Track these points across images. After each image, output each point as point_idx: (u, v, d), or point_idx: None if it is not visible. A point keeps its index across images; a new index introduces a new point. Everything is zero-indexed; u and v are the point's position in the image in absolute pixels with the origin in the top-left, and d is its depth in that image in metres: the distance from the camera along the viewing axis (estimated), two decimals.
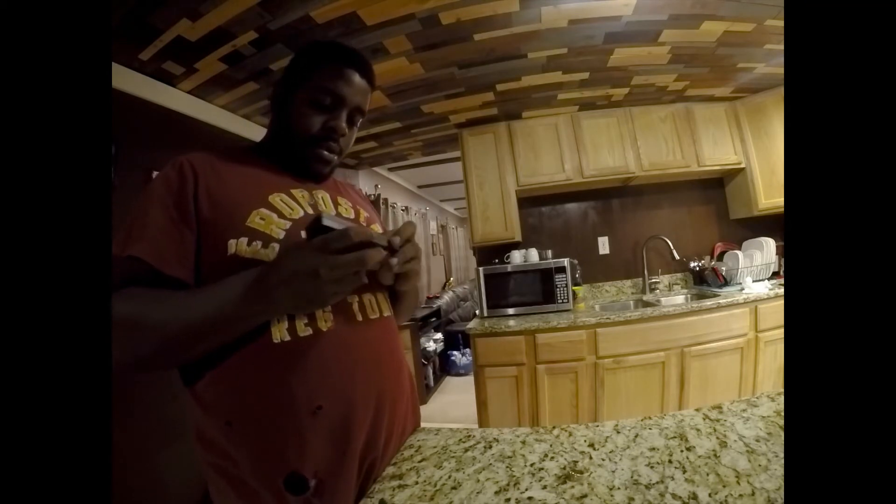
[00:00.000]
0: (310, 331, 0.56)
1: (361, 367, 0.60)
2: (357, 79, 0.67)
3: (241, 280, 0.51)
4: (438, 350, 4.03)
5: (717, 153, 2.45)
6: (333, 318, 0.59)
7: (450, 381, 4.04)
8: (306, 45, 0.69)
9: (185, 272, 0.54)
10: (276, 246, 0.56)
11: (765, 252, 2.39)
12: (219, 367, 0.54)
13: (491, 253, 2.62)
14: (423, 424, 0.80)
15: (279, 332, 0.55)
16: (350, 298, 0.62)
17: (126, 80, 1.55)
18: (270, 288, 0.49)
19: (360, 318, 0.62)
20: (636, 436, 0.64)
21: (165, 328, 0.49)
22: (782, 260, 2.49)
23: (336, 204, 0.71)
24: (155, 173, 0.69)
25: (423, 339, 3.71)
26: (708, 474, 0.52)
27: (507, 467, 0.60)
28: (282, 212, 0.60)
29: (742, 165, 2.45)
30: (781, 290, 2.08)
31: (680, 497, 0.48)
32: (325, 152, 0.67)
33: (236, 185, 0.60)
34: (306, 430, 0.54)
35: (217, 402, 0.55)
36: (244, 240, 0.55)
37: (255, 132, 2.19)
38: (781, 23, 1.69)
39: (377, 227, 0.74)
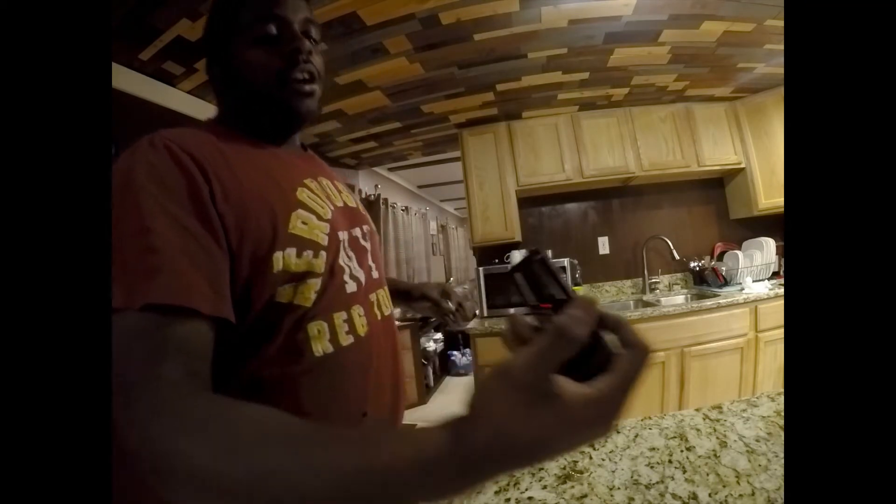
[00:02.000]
0: (351, 339, 0.50)
1: (385, 366, 0.57)
2: None
3: (409, 443, 0.27)
4: (438, 350, 4.03)
5: (717, 153, 2.45)
6: (367, 321, 0.54)
7: (450, 381, 4.04)
8: None
9: (228, 307, 0.40)
10: (324, 255, 0.49)
11: (765, 252, 2.39)
12: (257, 387, 0.44)
13: (491, 253, 2.61)
14: (423, 425, 0.80)
15: (321, 345, 0.47)
16: (371, 297, 0.57)
17: (126, 80, 1.55)
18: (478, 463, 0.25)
19: (379, 317, 0.58)
20: (636, 436, 0.64)
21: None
22: (782, 260, 2.49)
23: (339, 191, 0.63)
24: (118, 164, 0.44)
25: (423, 339, 3.71)
26: (708, 474, 0.52)
27: None
28: (317, 212, 0.52)
29: (742, 165, 2.45)
30: (781, 290, 2.08)
31: (680, 497, 0.48)
32: (302, 83, 0.54)
33: (254, 177, 0.48)
34: None
35: None
36: (292, 251, 0.46)
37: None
38: (781, 23, 1.69)
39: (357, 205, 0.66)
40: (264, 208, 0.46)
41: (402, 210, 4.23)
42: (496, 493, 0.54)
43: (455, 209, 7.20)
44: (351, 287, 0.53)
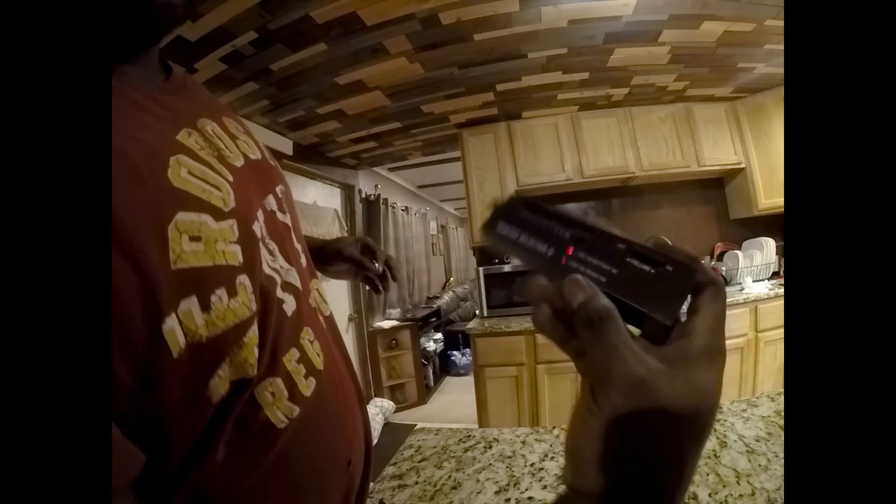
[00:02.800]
0: (312, 382, 0.37)
1: (348, 384, 0.44)
2: None
3: None
4: (438, 350, 4.03)
5: (717, 153, 2.45)
6: (320, 345, 0.40)
7: (450, 381, 4.04)
8: None
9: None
10: (247, 281, 0.31)
11: (765, 252, 2.39)
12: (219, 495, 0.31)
13: (491, 253, 2.62)
14: (423, 424, 0.80)
15: (281, 411, 0.33)
16: (311, 299, 0.42)
17: None
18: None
19: (323, 323, 0.44)
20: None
21: None
22: (782, 260, 2.49)
23: (233, 137, 0.39)
24: None
25: (423, 339, 3.72)
26: (708, 474, 0.52)
27: (507, 467, 0.60)
28: (211, 203, 0.30)
29: (742, 165, 2.45)
30: (781, 290, 2.08)
31: None
32: None
33: None
34: (345, 493, 0.40)
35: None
36: (190, 304, 0.27)
37: (256, 133, 2.18)
38: (781, 23, 1.69)
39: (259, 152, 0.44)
40: (114, 238, 0.24)
41: (402, 210, 4.24)
42: (496, 493, 0.54)
43: (455, 209, 7.20)
44: (290, 305, 0.37)
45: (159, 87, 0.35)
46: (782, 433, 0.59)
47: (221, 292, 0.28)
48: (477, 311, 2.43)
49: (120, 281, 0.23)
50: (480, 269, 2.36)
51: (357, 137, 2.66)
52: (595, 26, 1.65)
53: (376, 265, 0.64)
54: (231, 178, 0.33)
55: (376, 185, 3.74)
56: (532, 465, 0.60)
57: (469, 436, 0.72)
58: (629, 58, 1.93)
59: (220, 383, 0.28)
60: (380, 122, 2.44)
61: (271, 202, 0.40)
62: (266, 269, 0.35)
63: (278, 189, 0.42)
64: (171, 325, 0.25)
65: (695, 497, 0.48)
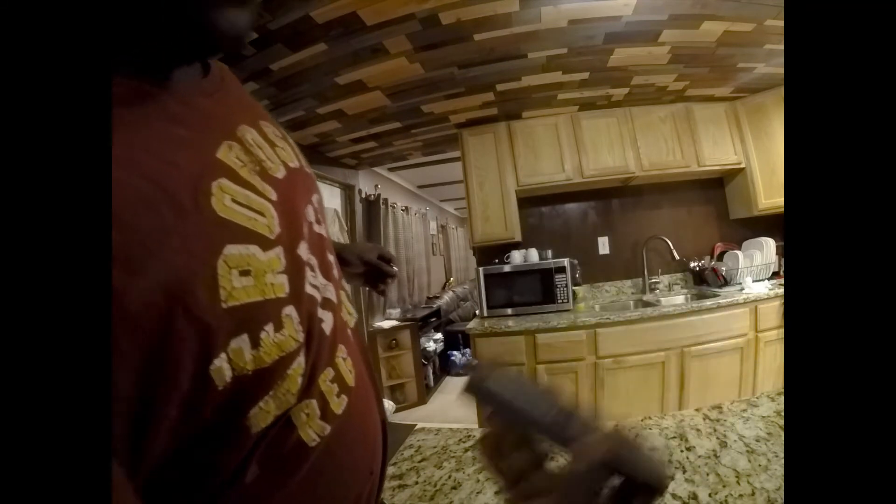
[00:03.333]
0: (344, 399, 0.37)
1: (372, 396, 0.44)
2: None
3: None
4: (438, 350, 4.03)
5: (717, 153, 2.45)
6: (352, 362, 0.40)
7: (450, 381, 4.04)
8: None
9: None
10: (294, 313, 0.30)
11: (765, 252, 2.39)
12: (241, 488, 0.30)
13: (491, 253, 2.62)
14: (423, 424, 0.80)
15: (312, 429, 0.33)
16: (343, 315, 0.42)
17: None
18: None
19: (351, 336, 0.43)
20: (636, 436, 0.64)
21: None
22: (782, 260, 2.49)
23: (272, 144, 0.37)
24: None
25: (423, 339, 3.71)
26: (708, 474, 0.52)
27: None
28: (257, 232, 0.29)
29: (742, 165, 2.45)
30: (781, 290, 2.08)
31: (680, 497, 0.48)
32: None
33: (129, 200, 0.23)
34: (367, 498, 0.41)
35: None
36: (241, 343, 0.26)
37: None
38: (781, 23, 1.69)
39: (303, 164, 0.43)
40: (161, 278, 0.22)
41: (402, 210, 4.24)
42: (496, 493, 0.54)
43: (455, 209, 7.20)
44: (328, 324, 0.36)
45: (199, 89, 0.32)
46: (782, 433, 0.59)
47: (269, 327, 0.27)
48: (477, 311, 2.43)
49: (169, 325, 0.22)
50: (480, 269, 2.36)
51: (357, 137, 2.66)
52: (595, 26, 1.65)
53: (393, 268, 0.69)
54: (274, 197, 0.32)
55: (376, 185, 3.74)
56: None
57: (469, 436, 0.71)
58: (629, 58, 1.93)
59: (260, 414, 0.28)
60: (380, 122, 2.44)
61: (310, 213, 0.39)
62: (308, 289, 0.33)
63: (314, 198, 0.41)
64: (219, 364, 0.24)
65: (695, 497, 0.48)
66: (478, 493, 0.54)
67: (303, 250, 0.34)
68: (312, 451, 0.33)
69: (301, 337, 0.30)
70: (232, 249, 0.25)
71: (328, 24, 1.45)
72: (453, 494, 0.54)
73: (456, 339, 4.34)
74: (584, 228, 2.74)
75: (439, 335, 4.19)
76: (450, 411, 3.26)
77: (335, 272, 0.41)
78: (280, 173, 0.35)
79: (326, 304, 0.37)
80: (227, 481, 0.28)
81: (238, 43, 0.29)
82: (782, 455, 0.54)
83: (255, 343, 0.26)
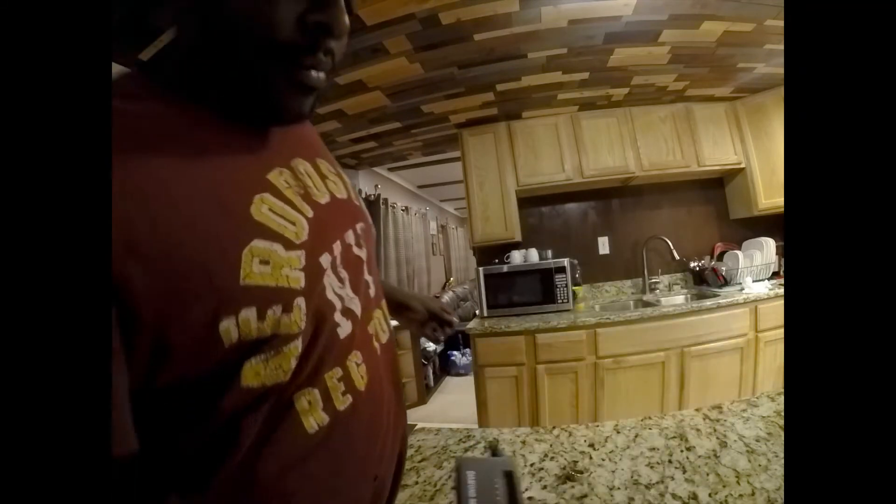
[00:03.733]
0: (349, 399, 0.40)
1: (391, 408, 0.48)
2: None
3: None
4: (438, 350, 4.03)
5: (717, 153, 2.45)
6: (366, 369, 0.43)
7: (450, 381, 4.04)
8: None
9: (127, 440, 0.28)
10: (302, 304, 0.35)
11: (765, 252, 2.39)
12: (232, 485, 0.34)
13: (491, 253, 2.62)
14: (423, 424, 0.80)
15: (314, 417, 0.36)
16: (370, 327, 0.46)
17: None
18: None
19: (378, 350, 0.47)
20: (636, 436, 0.64)
21: None
22: (782, 260, 2.49)
23: (323, 177, 0.45)
24: None
25: (422, 339, 3.71)
26: (708, 474, 0.52)
27: None
28: (284, 236, 0.35)
29: (742, 165, 2.46)
30: (781, 290, 2.08)
31: (680, 497, 0.48)
32: (310, 72, 0.35)
33: (179, 196, 0.30)
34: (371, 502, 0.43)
35: None
36: (250, 312, 0.31)
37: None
38: (781, 23, 1.69)
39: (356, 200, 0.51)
40: (197, 256, 0.29)
41: (402, 210, 4.24)
42: None
43: (455, 209, 7.20)
44: (345, 329, 0.40)
45: (269, 135, 0.40)
46: (782, 433, 0.59)
47: (277, 308, 0.33)
48: (477, 311, 2.43)
49: (194, 286, 0.29)
50: (480, 269, 2.36)
51: (357, 137, 2.66)
52: (595, 26, 1.65)
53: (452, 317, 0.78)
54: (310, 215, 0.39)
55: (376, 185, 3.74)
56: (532, 465, 0.60)
57: (469, 436, 0.72)
58: (629, 58, 1.93)
59: (249, 370, 0.32)
60: (380, 122, 2.44)
61: (350, 237, 0.45)
62: (329, 295, 0.39)
63: (358, 226, 0.47)
64: (227, 325, 0.30)
65: (695, 497, 0.48)
66: None
67: (325, 260, 0.39)
68: (311, 438, 0.36)
69: (303, 325, 0.35)
70: (258, 243, 0.33)
71: None
72: (453, 494, 0.54)
73: (456, 339, 4.34)
74: (584, 228, 2.74)
75: None
76: (450, 411, 3.26)
77: (370, 291, 0.48)
78: (324, 199, 0.42)
79: (347, 312, 0.41)
80: (231, 446, 0.32)
81: (301, 120, 0.39)
82: (782, 455, 0.54)
83: (261, 316, 0.32)
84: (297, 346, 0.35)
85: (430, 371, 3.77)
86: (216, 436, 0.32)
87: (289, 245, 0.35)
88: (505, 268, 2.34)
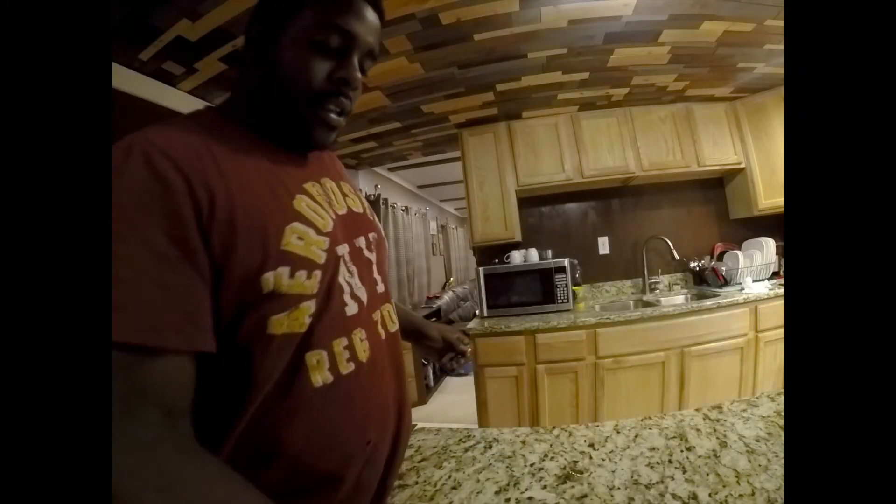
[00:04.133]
0: (352, 366, 0.48)
1: (389, 388, 0.54)
2: (369, 13, 0.51)
3: None
4: None
5: (717, 153, 2.45)
6: (369, 345, 0.51)
7: (450, 381, 4.04)
8: None
9: (207, 339, 0.38)
10: (319, 274, 0.45)
11: (765, 252, 2.39)
12: (249, 422, 0.42)
13: (491, 253, 2.62)
14: (423, 424, 0.80)
15: (320, 375, 0.45)
16: (375, 315, 0.54)
17: (126, 80, 1.55)
18: None
19: (383, 335, 0.55)
20: (636, 436, 0.64)
21: None
22: (782, 260, 2.49)
23: (343, 195, 0.58)
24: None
25: None
26: (708, 474, 0.52)
27: (507, 467, 0.60)
28: (315, 224, 0.47)
29: (742, 165, 2.45)
30: (781, 290, 2.08)
31: (680, 497, 0.48)
32: (333, 114, 0.51)
33: (247, 185, 0.43)
34: (361, 468, 0.48)
35: (251, 462, 0.41)
36: (284, 270, 0.42)
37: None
38: (781, 23, 1.69)
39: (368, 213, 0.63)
40: (256, 223, 0.42)
41: (402, 210, 4.23)
42: (496, 493, 0.54)
43: (455, 209, 7.20)
44: (352, 309, 0.49)
45: (305, 159, 0.55)
46: (782, 433, 0.59)
47: (303, 273, 0.43)
48: (477, 311, 2.43)
49: (252, 249, 0.41)
50: (480, 269, 2.36)
51: (357, 137, 2.66)
52: (595, 26, 1.65)
53: (465, 347, 0.85)
54: (334, 217, 0.51)
55: (376, 185, 3.74)
56: (532, 465, 0.60)
57: (469, 436, 0.72)
58: (629, 58, 1.93)
59: (275, 322, 0.41)
60: (380, 122, 2.44)
61: (361, 242, 0.55)
62: (340, 280, 0.49)
63: (370, 235, 0.58)
64: (268, 276, 0.41)
65: (695, 497, 0.48)
66: (478, 493, 0.54)
67: (341, 250, 0.50)
68: (316, 391, 0.44)
69: (316, 290, 0.45)
70: (297, 225, 0.45)
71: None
72: (453, 494, 0.54)
73: None
74: (584, 228, 2.74)
75: None
76: (450, 411, 3.26)
77: (378, 288, 0.57)
78: (342, 211, 0.55)
79: (354, 297, 0.51)
80: (244, 376, 0.41)
81: (326, 148, 0.56)
82: (782, 455, 0.54)
83: (291, 275, 0.42)
84: (311, 306, 0.44)
85: (430, 371, 3.77)
86: (239, 379, 0.41)
87: (318, 231, 0.47)
88: (505, 268, 2.34)
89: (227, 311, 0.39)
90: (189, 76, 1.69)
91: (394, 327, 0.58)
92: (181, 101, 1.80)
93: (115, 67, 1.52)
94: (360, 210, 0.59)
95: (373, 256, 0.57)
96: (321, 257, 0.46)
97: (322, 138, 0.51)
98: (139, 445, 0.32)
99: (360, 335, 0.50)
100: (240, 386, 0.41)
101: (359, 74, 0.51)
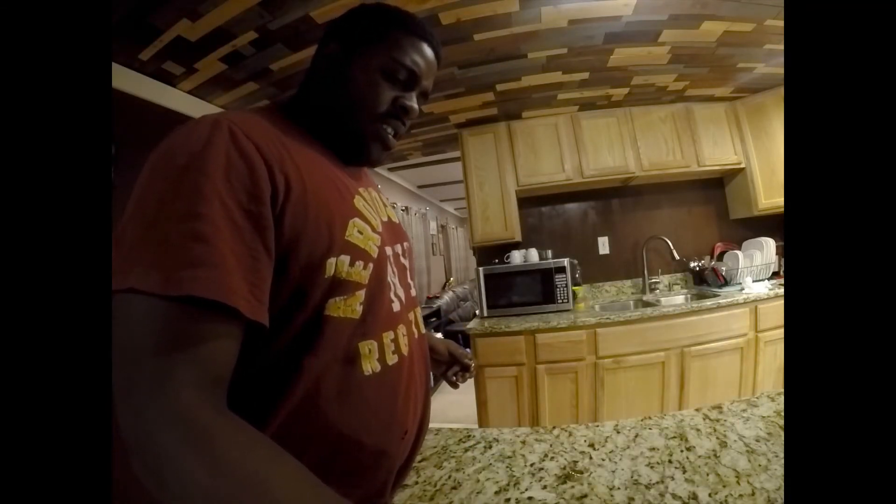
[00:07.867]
0: (396, 358, 0.52)
1: (420, 384, 0.58)
2: (431, 57, 0.59)
3: None
4: None
5: (717, 153, 2.45)
6: (408, 341, 0.55)
7: None
8: (372, 5, 0.59)
9: (265, 313, 0.39)
10: (372, 267, 0.49)
11: (765, 252, 2.39)
12: (297, 402, 0.43)
13: (491, 253, 2.62)
14: None
15: (370, 364, 0.48)
16: (410, 315, 0.58)
17: (126, 80, 1.55)
18: None
19: (416, 335, 0.59)
20: (636, 436, 0.64)
21: None
22: (782, 260, 2.49)
23: (384, 205, 0.64)
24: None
25: None
26: (708, 474, 0.52)
27: (507, 467, 0.60)
28: (371, 222, 0.52)
29: (742, 165, 2.45)
30: (781, 290, 2.08)
31: (680, 497, 0.48)
32: (391, 136, 0.57)
33: (316, 178, 0.47)
34: (396, 459, 0.52)
35: (294, 441, 0.40)
36: (346, 258, 0.46)
37: None
38: (781, 23, 1.69)
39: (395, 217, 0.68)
40: (324, 213, 0.45)
41: (402, 210, 4.23)
42: (496, 493, 0.54)
43: (455, 209, 7.20)
44: (396, 306, 0.54)
45: (356, 170, 0.61)
46: (782, 433, 0.59)
47: (360, 263, 0.47)
48: (477, 311, 2.43)
49: (320, 236, 0.44)
50: (480, 269, 2.36)
51: None
52: (595, 26, 1.65)
53: (469, 362, 0.88)
54: (381, 221, 0.56)
55: (376, 186, 3.74)
56: (532, 465, 0.60)
57: (469, 436, 0.72)
58: (629, 58, 1.93)
59: (332, 305, 0.45)
60: None
61: (399, 248, 0.61)
62: (388, 278, 0.53)
63: (405, 244, 0.64)
64: (331, 261, 0.44)
65: (695, 497, 0.48)
66: (478, 493, 0.54)
67: (389, 251, 0.55)
68: (365, 379, 0.47)
69: (367, 281, 0.48)
70: (357, 221, 0.50)
71: (328, 24, 1.45)
72: (453, 494, 0.54)
73: (456, 340, 4.34)
74: (584, 228, 2.74)
75: (439, 335, 4.19)
76: (450, 411, 3.26)
77: (412, 293, 0.61)
78: (385, 218, 0.59)
79: (397, 296, 0.55)
80: (315, 368, 0.43)
81: (378, 164, 0.62)
82: (782, 455, 0.54)
83: (351, 263, 0.46)
84: (362, 294, 0.48)
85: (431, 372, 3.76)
86: (287, 361, 0.43)
87: (373, 229, 0.52)
88: (505, 268, 2.34)
89: (284, 293, 0.41)
90: (189, 76, 1.69)
91: (423, 329, 0.63)
92: (181, 101, 1.80)
93: (115, 67, 1.52)
94: (396, 221, 0.66)
95: (406, 263, 0.63)
96: (375, 252, 0.50)
97: (376, 153, 0.57)
98: (179, 398, 0.31)
99: (402, 331, 0.54)
100: (287, 368, 0.43)
101: (416, 109, 0.58)
